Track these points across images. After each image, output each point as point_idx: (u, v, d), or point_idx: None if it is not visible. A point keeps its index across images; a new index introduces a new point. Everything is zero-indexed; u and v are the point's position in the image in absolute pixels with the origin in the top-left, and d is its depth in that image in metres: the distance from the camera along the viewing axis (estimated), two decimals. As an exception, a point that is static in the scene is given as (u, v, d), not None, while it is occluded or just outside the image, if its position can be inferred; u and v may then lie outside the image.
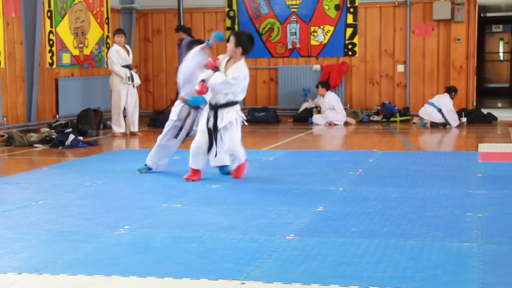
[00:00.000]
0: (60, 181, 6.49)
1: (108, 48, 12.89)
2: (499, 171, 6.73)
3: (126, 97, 11.07)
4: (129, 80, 11.03)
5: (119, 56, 11.00)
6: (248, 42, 6.24)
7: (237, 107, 6.40)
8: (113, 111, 11.12)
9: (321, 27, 13.73)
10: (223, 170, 6.65)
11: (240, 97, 6.33)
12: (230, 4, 14.13)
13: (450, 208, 5.01)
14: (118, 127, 11.09)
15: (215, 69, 6.21)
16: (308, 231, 4.39)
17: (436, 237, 4.18)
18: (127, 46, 11.30)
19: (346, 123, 12.51)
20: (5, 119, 10.52)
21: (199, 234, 4.33)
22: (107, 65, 11.42)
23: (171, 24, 14.47)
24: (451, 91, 11.91)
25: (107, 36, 13.40)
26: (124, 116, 11.28)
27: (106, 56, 11.74)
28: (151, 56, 14.70)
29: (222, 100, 6.26)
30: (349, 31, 13.61)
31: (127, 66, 11.09)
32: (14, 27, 10.75)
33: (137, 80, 11.23)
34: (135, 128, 11.22)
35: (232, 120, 6.29)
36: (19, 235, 4.40)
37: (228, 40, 6.25)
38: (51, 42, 11.65)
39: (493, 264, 3.62)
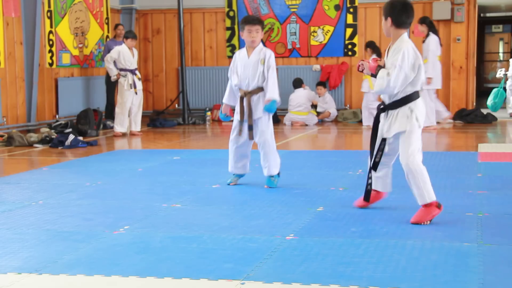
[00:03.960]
0: (60, 181, 6.49)
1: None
2: (499, 171, 6.73)
3: (132, 98, 11.08)
4: (131, 87, 11.03)
5: (120, 57, 11.00)
6: (397, 8, 4.59)
7: (414, 103, 4.64)
8: (117, 110, 11.11)
9: (321, 27, 13.73)
10: None
11: (418, 86, 4.64)
12: (230, 4, 14.13)
13: (450, 208, 5.01)
14: (121, 127, 11.08)
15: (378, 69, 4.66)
16: (308, 231, 4.39)
17: (436, 237, 4.18)
18: (134, 50, 11.29)
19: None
20: (5, 119, 10.52)
21: (199, 234, 4.33)
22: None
23: (171, 24, 14.47)
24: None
25: (107, 36, 13.40)
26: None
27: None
28: (151, 56, 14.70)
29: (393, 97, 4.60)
30: (349, 31, 13.61)
31: (131, 72, 11.08)
32: (14, 27, 10.75)
33: (139, 87, 11.23)
34: (137, 127, 11.22)
35: (408, 128, 4.64)
36: (19, 235, 4.40)
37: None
38: (51, 42, 11.65)
39: (493, 264, 3.62)
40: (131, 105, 11.07)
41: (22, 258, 3.85)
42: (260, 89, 5.98)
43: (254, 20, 6.00)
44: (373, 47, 11.68)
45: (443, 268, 3.55)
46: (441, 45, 11.73)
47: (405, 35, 4.63)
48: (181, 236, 4.30)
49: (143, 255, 3.90)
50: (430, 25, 11.67)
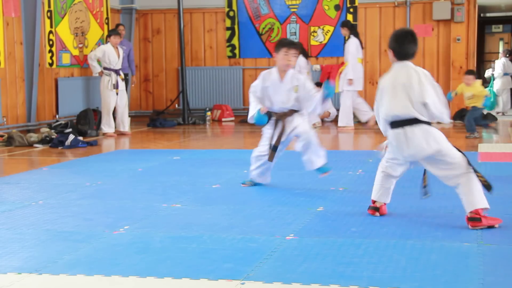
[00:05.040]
0: (60, 181, 6.49)
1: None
2: (499, 171, 6.73)
3: (116, 98, 11.09)
4: (114, 87, 11.04)
5: (105, 56, 11.03)
6: (396, 41, 4.70)
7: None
8: (103, 111, 11.14)
9: (321, 27, 13.73)
10: None
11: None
12: (230, 4, 14.13)
13: (450, 208, 5.01)
14: (108, 127, 11.09)
15: None
16: (308, 231, 4.39)
17: (436, 237, 4.18)
18: (120, 48, 11.30)
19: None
20: (5, 119, 10.52)
21: (199, 234, 4.33)
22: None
23: (171, 24, 14.47)
24: None
25: (107, 36, 13.39)
26: (114, 117, 11.30)
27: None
28: (151, 56, 14.70)
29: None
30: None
31: (115, 72, 11.09)
32: (14, 27, 10.74)
33: (122, 87, 11.23)
34: (125, 128, 11.25)
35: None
36: (19, 235, 4.40)
37: None
38: (51, 42, 11.65)
39: (493, 264, 3.62)
40: (115, 105, 11.08)
41: (22, 258, 3.85)
42: (293, 111, 5.85)
43: (292, 43, 5.84)
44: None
45: (443, 268, 3.55)
46: (362, 48, 12.01)
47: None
48: (181, 236, 4.30)
49: (143, 255, 3.90)
50: (352, 28, 11.98)
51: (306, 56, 12.17)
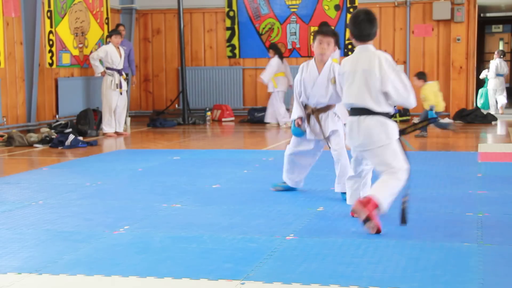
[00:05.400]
0: (60, 181, 6.49)
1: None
2: (499, 171, 6.73)
3: (117, 98, 11.10)
4: (117, 87, 11.04)
5: (107, 57, 11.02)
6: (352, 23, 4.63)
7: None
8: (104, 111, 11.14)
9: (321, 27, 13.72)
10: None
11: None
12: (230, 4, 14.13)
13: (450, 208, 5.01)
14: (109, 127, 11.10)
15: None
16: (308, 231, 4.39)
17: (436, 237, 4.18)
18: (121, 48, 11.30)
19: None
20: (5, 119, 10.52)
21: (199, 234, 4.33)
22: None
23: (171, 24, 14.47)
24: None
25: (107, 36, 13.39)
26: None
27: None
28: (151, 56, 14.70)
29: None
30: (349, 31, 13.60)
31: (118, 72, 11.09)
32: (14, 27, 10.75)
33: (125, 87, 11.24)
34: (121, 128, 11.26)
35: None
36: (19, 235, 4.40)
37: None
38: (51, 42, 11.65)
39: (493, 264, 3.62)
40: (115, 105, 11.08)
41: (22, 258, 3.85)
42: (329, 106, 5.43)
43: (327, 31, 5.42)
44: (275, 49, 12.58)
45: (443, 268, 3.55)
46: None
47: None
48: (181, 236, 4.30)
49: (143, 255, 3.90)
50: (275, 49, 12.42)
51: (281, 56, 12.38)
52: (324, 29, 5.47)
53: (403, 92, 4.41)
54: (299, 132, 5.51)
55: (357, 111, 4.47)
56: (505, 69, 15.58)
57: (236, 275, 3.47)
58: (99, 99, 12.68)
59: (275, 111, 12.42)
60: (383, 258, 3.75)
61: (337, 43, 5.49)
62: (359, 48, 4.55)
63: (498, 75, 15.42)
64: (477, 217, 4.70)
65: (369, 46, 4.52)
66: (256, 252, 3.89)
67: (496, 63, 15.49)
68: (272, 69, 12.32)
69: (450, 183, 6.10)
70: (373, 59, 4.43)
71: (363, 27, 4.49)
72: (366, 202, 4.23)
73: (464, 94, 13.26)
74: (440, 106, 10.03)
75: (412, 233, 4.30)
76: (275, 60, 12.35)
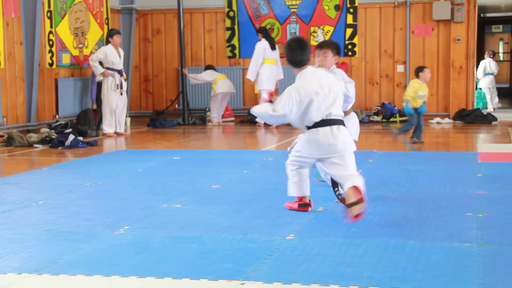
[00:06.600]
0: (60, 181, 6.49)
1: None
2: (499, 171, 6.73)
3: (117, 99, 11.09)
4: (117, 88, 11.04)
5: (107, 58, 11.00)
6: (288, 49, 4.85)
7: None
8: (105, 111, 11.13)
9: (321, 27, 13.73)
10: None
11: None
12: (230, 4, 14.13)
13: (450, 208, 5.01)
14: (109, 127, 11.10)
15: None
16: (308, 231, 4.39)
17: (436, 237, 4.18)
18: (120, 49, 11.30)
19: None
20: (5, 120, 10.52)
21: (199, 234, 4.33)
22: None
23: (171, 25, 14.47)
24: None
25: (108, 37, 13.38)
26: None
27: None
28: (151, 56, 14.70)
29: None
30: (348, 31, 13.62)
31: (118, 72, 11.09)
32: (14, 27, 10.75)
33: (125, 88, 11.24)
34: (121, 129, 11.25)
35: None
36: (19, 235, 4.40)
37: None
38: (51, 43, 11.65)
39: (493, 264, 3.62)
40: (115, 106, 11.08)
41: (22, 258, 3.85)
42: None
43: (322, 43, 5.70)
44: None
45: (443, 268, 3.55)
46: (273, 49, 12.47)
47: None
48: (181, 236, 4.30)
49: (143, 255, 3.90)
50: (264, 32, 12.44)
51: (272, 43, 12.33)
52: (322, 43, 5.78)
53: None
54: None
55: (331, 121, 4.84)
56: (494, 68, 15.92)
57: (236, 275, 3.47)
58: (98, 99, 12.70)
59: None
60: (383, 258, 3.75)
61: (337, 52, 5.66)
62: (298, 75, 4.84)
63: (487, 74, 15.75)
64: (477, 217, 4.70)
65: (306, 70, 4.82)
66: (256, 252, 3.89)
67: (485, 63, 15.78)
68: (257, 57, 12.18)
69: (450, 183, 6.10)
70: (328, 75, 4.93)
71: (295, 54, 4.81)
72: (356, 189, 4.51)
73: (464, 94, 13.26)
74: (417, 103, 9.55)
75: (412, 233, 4.30)
76: (261, 44, 12.20)
